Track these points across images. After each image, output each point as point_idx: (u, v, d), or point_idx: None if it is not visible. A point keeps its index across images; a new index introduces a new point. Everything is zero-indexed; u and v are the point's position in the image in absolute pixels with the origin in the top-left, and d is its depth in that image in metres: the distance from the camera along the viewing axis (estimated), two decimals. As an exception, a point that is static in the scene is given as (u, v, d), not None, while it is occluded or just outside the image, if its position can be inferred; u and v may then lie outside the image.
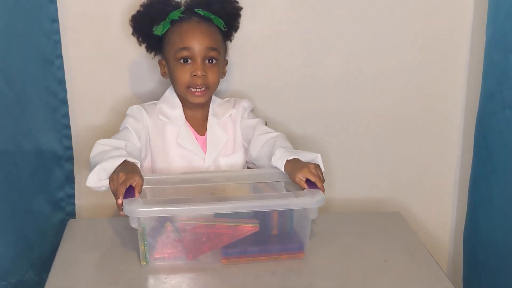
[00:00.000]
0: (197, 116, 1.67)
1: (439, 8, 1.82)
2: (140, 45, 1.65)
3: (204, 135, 1.66)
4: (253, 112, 1.74)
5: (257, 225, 1.38)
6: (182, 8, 1.61)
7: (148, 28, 1.61)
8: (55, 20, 1.66)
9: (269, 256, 1.41)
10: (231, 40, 1.69)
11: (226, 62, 1.69)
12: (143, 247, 1.36)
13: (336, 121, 1.90)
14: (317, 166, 1.44)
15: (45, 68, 1.68)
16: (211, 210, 1.35)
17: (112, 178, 1.37)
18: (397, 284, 1.36)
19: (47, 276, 1.36)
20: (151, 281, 1.35)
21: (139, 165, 1.44)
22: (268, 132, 1.63)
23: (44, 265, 1.65)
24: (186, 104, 1.64)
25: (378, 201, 1.97)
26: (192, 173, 1.55)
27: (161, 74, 1.66)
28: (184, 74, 1.57)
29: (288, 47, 1.81)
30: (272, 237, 1.43)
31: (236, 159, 1.68)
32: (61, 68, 1.71)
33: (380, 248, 1.49)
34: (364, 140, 1.93)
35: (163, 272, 1.36)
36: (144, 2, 1.62)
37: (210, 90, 1.61)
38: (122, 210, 1.32)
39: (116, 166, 1.40)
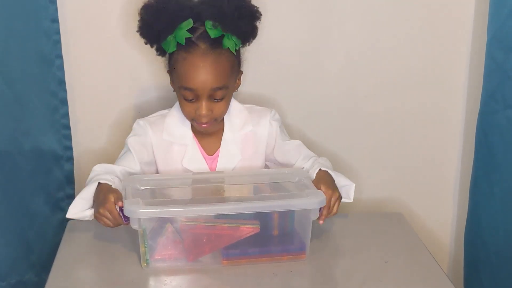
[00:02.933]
0: (209, 132, 1.57)
1: (440, 7, 1.82)
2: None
3: (213, 155, 1.58)
4: (281, 127, 1.63)
5: (258, 226, 1.37)
6: (191, 22, 1.43)
7: (155, 38, 1.48)
8: (55, 20, 1.66)
9: (270, 257, 1.41)
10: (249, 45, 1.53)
11: (241, 73, 1.56)
12: (143, 249, 1.35)
13: (337, 121, 1.90)
14: (339, 198, 1.46)
15: (45, 68, 1.68)
16: (211, 211, 1.34)
17: (99, 218, 1.39)
18: (398, 285, 1.36)
19: (46, 277, 1.36)
20: (152, 282, 1.35)
21: (113, 183, 1.44)
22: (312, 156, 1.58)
23: (44, 265, 1.65)
24: None
25: (379, 201, 1.97)
26: (193, 173, 1.55)
27: (170, 84, 1.55)
28: (188, 109, 1.49)
29: (288, 46, 1.81)
30: (273, 238, 1.42)
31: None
32: (61, 68, 1.71)
33: (381, 249, 1.49)
34: (365, 141, 1.92)
35: (164, 274, 1.36)
36: (148, 7, 1.45)
37: (218, 120, 1.52)
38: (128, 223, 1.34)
39: (92, 191, 1.42)
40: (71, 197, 1.82)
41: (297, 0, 1.77)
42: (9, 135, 1.61)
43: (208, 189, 1.50)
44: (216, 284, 1.36)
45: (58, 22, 1.67)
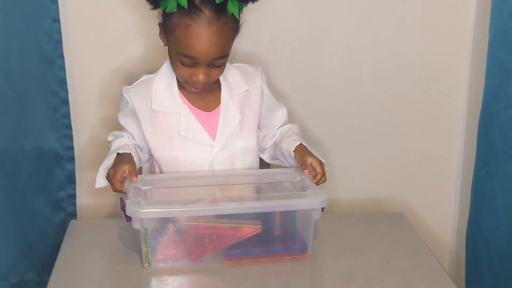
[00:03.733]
0: (203, 93, 1.50)
1: (442, 6, 1.82)
2: None
3: (212, 111, 1.52)
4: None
5: (260, 226, 1.37)
6: None
7: None
8: (56, 20, 1.65)
9: (272, 257, 1.41)
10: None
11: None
12: (145, 249, 1.35)
13: (338, 120, 1.89)
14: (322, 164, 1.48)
15: (46, 67, 1.68)
16: (213, 211, 1.34)
17: (106, 177, 1.43)
18: (400, 285, 1.36)
19: (47, 277, 1.36)
20: (154, 282, 1.35)
21: (134, 155, 1.47)
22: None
23: (45, 265, 1.65)
24: None
25: (381, 201, 1.97)
26: (195, 173, 1.54)
27: (159, 36, 1.47)
28: (183, 73, 1.43)
29: (288, 44, 1.81)
30: (275, 238, 1.42)
31: (250, 142, 1.56)
32: (62, 67, 1.70)
33: (383, 249, 1.49)
34: (367, 140, 1.92)
35: (166, 274, 1.36)
36: None
37: (211, 82, 1.48)
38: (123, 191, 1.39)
39: (111, 162, 1.45)
40: (72, 197, 1.82)
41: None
42: (10, 135, 1.61)
43: (209, 190, 1.49)
44: (217, 284, 1.36)
45: (59, 21, 1.66)
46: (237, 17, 1.40)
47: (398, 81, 1.87)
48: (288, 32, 1.80)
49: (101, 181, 1.47)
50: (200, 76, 1.41)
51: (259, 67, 1.61)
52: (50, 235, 1.75)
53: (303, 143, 1.53)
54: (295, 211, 1.41)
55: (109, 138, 1.57)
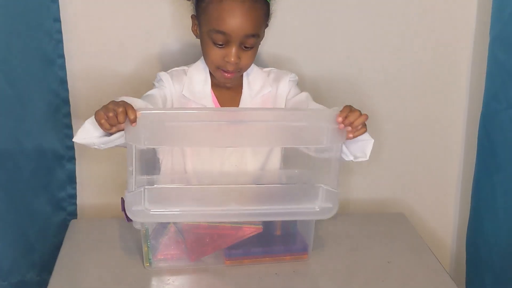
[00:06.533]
0: (227, 90, 1.53)
1: (443, 7, 1.82)
2: None
3: None
4: (298, 85, 1.59)
5: (261, 226, 1.37)
6: None
7: None
8: (57, 19, 1.65)
9: (273, 257, 1.41)
10: None
11: (267, 26, 1.51)
12: (146, 248, 1.35)
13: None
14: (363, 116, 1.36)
15: (46, 67, 1.68)
16: (215, 211, 1.34)
17: (99, 113, 1.23)
18: (401, 285, 1.36)
19: (48, 277, 1.36)
20: (154, 282, 1.35)
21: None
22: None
23: (45, 265, 1.65)
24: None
25: (381, 202, 1.97)
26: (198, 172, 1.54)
27: (192, 30, 1.51)
28: (215, 56, 1.43)
29: (288, 46, 1.81)
30: (276, 238, 1.42)
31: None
32: (63, 67, 1.70)
33: (384, 249, 1.49)
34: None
35: (166, 274, 1.36)
36: None
37: (242, 71, 1.50)
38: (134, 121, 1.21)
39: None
40: (73, 197, 1.82)
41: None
42: (11, 135, 1.61)
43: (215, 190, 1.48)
44: (218, 284, 1.36)
45: (60, 21, 1.66)
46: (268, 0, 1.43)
47: (398, 82, 1.87)
48: (289, 32, 1.80)
49: (81, 136, 1.28)
50: (232, 56, 1.41)
51: (292, 73, 1.59)
52: (51, 235, 1.75)
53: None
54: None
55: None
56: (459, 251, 1.99)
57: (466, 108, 1.92)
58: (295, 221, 1.43)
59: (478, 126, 1.77)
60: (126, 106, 1.22)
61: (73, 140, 1.30)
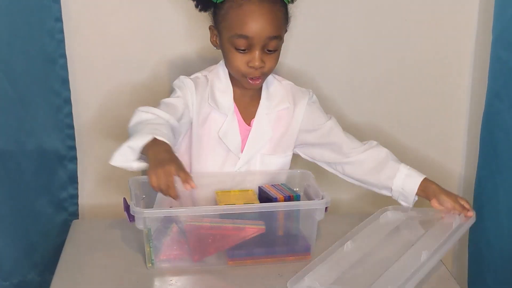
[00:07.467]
0: (246, 99, 1.54)
1: (445, 6, 1.82)
2: None
3: (250, 125, 1.53)
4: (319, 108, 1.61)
5: (263, 227, 1.37)
6: None
7: None
8: (58, 19, 1.65)
9: (275, 258, 1.41)
10: None
11: (286, 31, 1.51)
12: (148, 249, 1.35)
13: (340, 120, 1.88)
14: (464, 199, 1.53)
15: (48, 67, 1.68)
16: (217, 211, 1.35)
17: (153, 176, 1.23)
18: (404, 286, 1.36)
19: (49, 277, 1.35)
20: (157, 283, 1.34)
21: (170, 141, 1.30)
22: (362, 145, 1.62)
23: (47, 265, 1.64)
24: (236, 84, 1.51)
25: (384, 201, 1.96)
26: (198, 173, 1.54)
27: (210, 41, 1.50)
28: (239, 62, 1.43)
29: (288, 46, 1.80)
30: (278, 239, 1.42)
31: (282, 160, 1.57)
32: (64, 67, 1.70)
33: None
34: (369, 140, 1.91)
35: (169, 274, 1.35)
36: None
37: (267, 75, 1.49)
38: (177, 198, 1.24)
39: (143, 144, 1.27)
40: (74, 197, 1.82)
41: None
42: (12, 135, 1.61)
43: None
44: (221, 285, 1.35)
45: (61, 21, 1.66)
46: (286, 1, 1.44)
47: (401, 81, 1.87)
48: (290, 33, 1.79)
49: (120, 160, 1.28)
50: (256, 61, 1.41)
51: (310, 90, 1.60)
52: (53, 235, 1.75)
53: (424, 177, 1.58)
54: (298, 211, 1.41)
55: (142, 109, 1.39)
56: (461, 251, 1.99)
57: (468, 107, 1.92)
58: (298, 221, 1.43)
59: (480, 125, 1.77)
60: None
61: (110, 163, 1.29)
